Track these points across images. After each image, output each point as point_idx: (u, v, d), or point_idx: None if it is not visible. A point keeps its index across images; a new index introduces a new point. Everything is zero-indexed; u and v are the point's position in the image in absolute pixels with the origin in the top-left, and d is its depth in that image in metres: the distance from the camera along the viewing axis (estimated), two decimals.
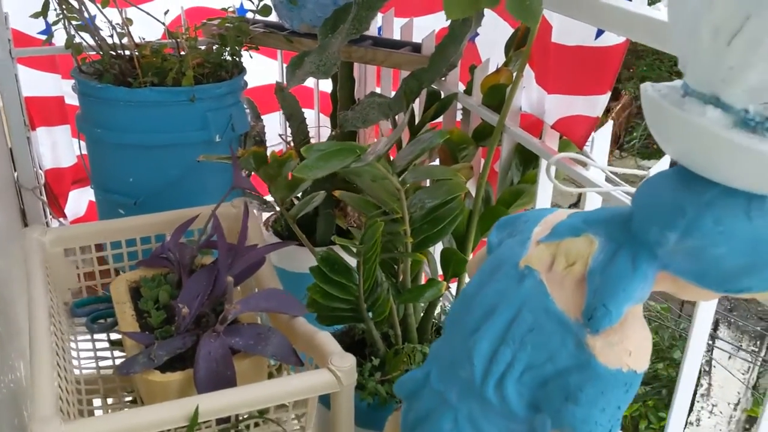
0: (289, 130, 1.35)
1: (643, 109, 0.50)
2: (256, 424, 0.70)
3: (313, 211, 1.30)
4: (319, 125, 1.59)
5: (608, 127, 0.82)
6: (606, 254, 0.53)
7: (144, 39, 1.24)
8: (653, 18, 0.69)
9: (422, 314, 1.05)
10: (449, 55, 1.10)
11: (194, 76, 1.17)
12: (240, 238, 0.81)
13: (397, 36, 1.33)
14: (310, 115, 1.56)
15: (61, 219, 1.46)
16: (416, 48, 1.23)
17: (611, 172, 0.77)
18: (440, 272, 1.01)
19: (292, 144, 1.36)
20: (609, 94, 0.84)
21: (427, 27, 1.23)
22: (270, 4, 1.29)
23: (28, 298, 0.77)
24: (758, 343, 4.02)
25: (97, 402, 0.86)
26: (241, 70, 1.27)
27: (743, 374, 3.96)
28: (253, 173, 0.94)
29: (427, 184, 1.06)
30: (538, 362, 0.54)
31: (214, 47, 1.25)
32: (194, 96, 1.15)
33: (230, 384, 0.69)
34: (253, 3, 1.28)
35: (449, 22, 1.06)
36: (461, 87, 1.16)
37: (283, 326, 0.78)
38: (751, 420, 3.83)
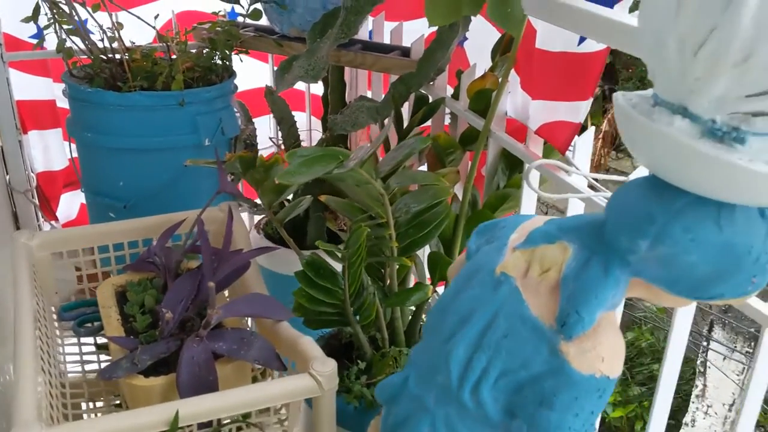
0: (279, 134, 1.36)
1: (615, 118, 0.51)
2: (239, 429, 0.71)
3: (304, 214, 1.30)
4: (310, 128, 1.59)
5: (590, 133, 0.83)
6: (579, 261, 0.53)
7: (134, 43, 1.24)
8: (633, 26, 0.70)
9: (410, 317, 1.06)
10: (437, 60, 1.10)
11: (184, 80, 1.18)
12: (224, 243, 0.82)
13: (387, 40, 1.34)
14: (301, 118, 1.57)
15: (53, 222, 1.47)
16: (405, 52, 1.24)
17: (593, 178, 0.78)
18: (428, 276, 1.01)
19: (283, 147, 1.36)
20: (591, 100, 0.85)
21: (418, 31, 1.24)
22: (260, 8, 1.30)
23: (15, 302, 0.78)
24: (752, 344, 4.02)
25: (84, 406, 0.86)
26: (231, 74, 1.28)
27: (738, 375, 3.97)
28: None
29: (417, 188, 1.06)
30: (512, 368, 0.54)
31: (205, 51, 1.26)
32: (183, 100, 1.15)
33: (212, 389, 0.69)
34: (243, 7, 1.29)
35: (438, 27, 1.07)
36: (450, 91, 1.17)
37: (268, 331, 0.79)
38: None
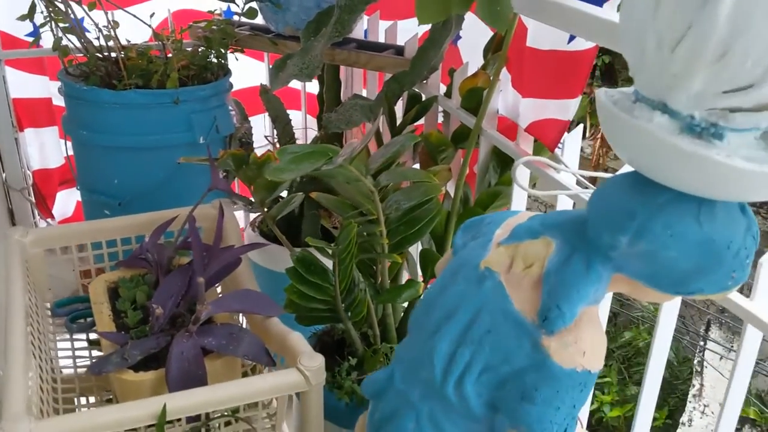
0: (275, 132, 1.36)
1: (598, 115, 0.52)
2: (227, 423, 0.71)
3: (299, 211, 1.31)
4: (306, 127, 1.60)
5: (578, 130, 0.83)
6: (561, 256, 0.54)
7: (130, 41, 1.25)
8: None
9: (402, 314, 1.06)
10: (430, 59, 1.11)
11: (180, 78, 1.18)
12: (215, 239, 0.82)
13: (382, 38, 1.35)
14: (297, 116, 1.57)
15: (49, 219, 1.47)
16: (399, 51, 1.24)
17: (580, 175, 0.78)
18: (421, 273, 1.02)
19: (278, 145, 1.37)
20: (580, 98, 0.85)
21: (413, 30, 1.24)
22: (256, 6, 1.30)
23: (6, 298, 0.78)
24: None
25: (76, 401, 0.87)
26: (227, 72, 1.28)
27: None
28: None
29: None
30: (495, 363, 0.55)
31: (200, 49, 1.26)
32: (178, 98, 1.16)
33: (201, 383, 0.70)
34: (239, 6, 1.29)
35: (431, 25, 1.07)
36: (443, 89, 1.17)
37: (258, 326, 0.79)
38: (743, 420, 3.84)
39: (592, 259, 0.53)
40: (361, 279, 0.93)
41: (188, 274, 0.80)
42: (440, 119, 1.19)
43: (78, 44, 1.20)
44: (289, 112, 1.33)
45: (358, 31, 1.40)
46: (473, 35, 1.21)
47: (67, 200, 1.58)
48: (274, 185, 0.95)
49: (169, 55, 1.22)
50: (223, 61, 1.29)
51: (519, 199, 0.95)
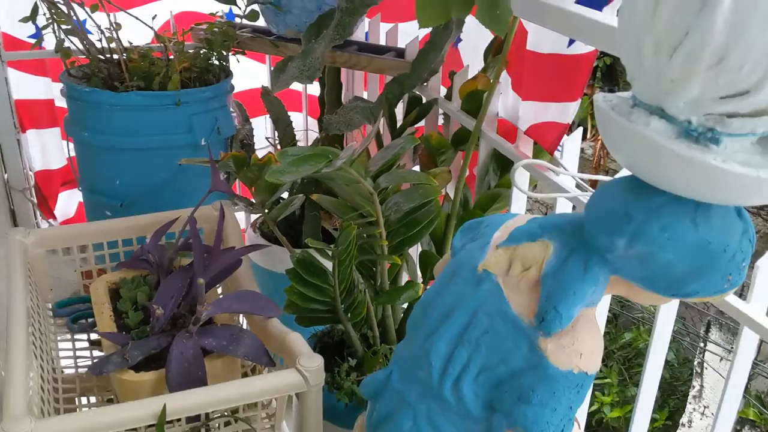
0: (276, 134, 1.37)
1: (596, 119, 0.52)
2: (227, 423, 0.72)
3: (300, 213, 1.31)
4: (307, 128, 1.60)
5: (578, 133, 0.84)
6: (559, 259, 0.54)
7: (132, 43, 1.26)
8: None
9: (401, 315, 1.07)
10: (430, 61, 1.11)
11: (181, 80, 1.19)
12: (216, 241, 0.83)
13: (383, 41, 1.35)
14: (298, 118, 1.58)
15: (51, 220, 1.48)
16: (400, 53, 1.25)
17: (580, 178, 0.79)
18: (420, 274, 1.02)
19: (279, 147, 1.37)
20: (579, 101, 0.86)
21: (414, 32, 1.25)
22: (257, 9, 1.31)
23: (8, 298, 0.79)
24: None
25: (77, 401, 0.87)
26: (228, 74, 1.29)
27: None
28: None
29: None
30: (492, 364, 0.55)
31: (202, 51, 1.27)
32: (180, 100, 1.16)
33: (201, 384, 0.70)
34: (240, 8, 1.30)
35: (432, 28, 1.08)
36: (443, 92, 1.18)
37: (258, 327, 0.80)
38: (743, 421, 3.84)
39: (589, 261, 0.53)
40: (360, 280, 0.93)
41: (189, 275, 0.81)
42: (440, 121, 1.20)
43: (80, 46, 1.20)
44: (290, 113, 1.33)
45: (359, 34, 1.41)
46: (474, 38, 1.22)
47: (68, 201, 1.58)
48: (275, 187, 0.95)
49: (171, 57, 1.23)
50: (224, 63, 1.30)
51: (518, 201, 0.95)
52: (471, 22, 1.10)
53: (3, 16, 1.33)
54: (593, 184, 0.84)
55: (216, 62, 1.29)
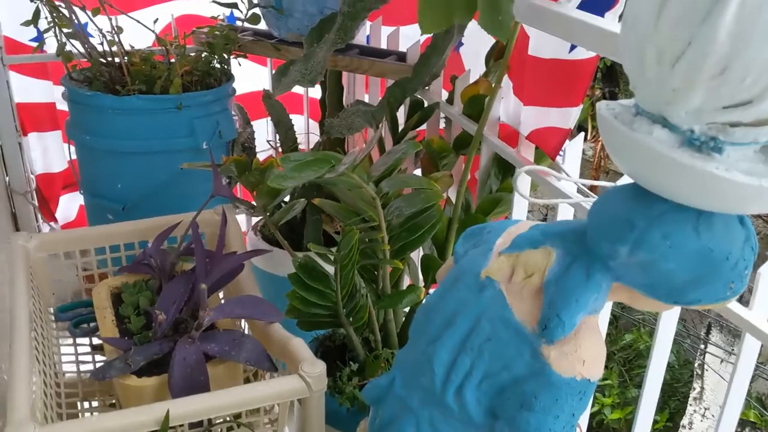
0: (277, 137, 1.37)
1: (599, 127, 0.52)
2: (230, 429, 0.72)
3: (301, 216, 1.32)
4: (308, 132, 1.60)
5: (579, 139, 0.84)
6: (561, 266, 0.54)
7: (133, 47, 1.26)
8: None
9: (403, 319, 1.07)
10: (432, 65, 1.11)
11: (183, 83, 1.19)
12: (218, 246, 0.83)
13: (384, 44, 1.35)
14: (300, 121, 1.58)
15: (52, 223, 1.48)
16: (401, 57, 1.25)
17: (582, 184, 0.79)
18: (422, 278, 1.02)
19: (280, 150, 1.37)
20: (581, 106, 0.86)
21: (415, 35, 1.25)
22: (259, 12, 1.31)
23: (10, 303, 0.79)
24: None
25: (79, 406, 0.87)
26: (229, 78, 1.29)
27: None
28: None
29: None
30: (495, 370, 0.55)
31: (203, 55, 1.27)
32: (181, 104, 1.16)
33: (203, 389, 0.70)
34: (242, 12, 1.30)
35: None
36: (445, 96, 1.18)
37: (260, 332, 0.80)
38: (744, 423, 3.84)
39: (591, 268, 0.53)
40: (362, 284, 0.93)
41: (191, 280, 0.81)
42: (442, 125, 1.20)
43: (82, 49, 1.20)
44: (291, 116, 1.33)
45: (360, 37, 1.41)
46: (475, 42, 1.22)
47: (70, 204, 1.58)
48: (277, 191, 0.96)
49: (173, 60, 1.23)
50: (226, 67, 1.30)
51: (520, 206, 0.95)
52: (472, 26, 1.10)
53: (5, 20, 1.33)
54: (593, 187, 0.84)
55: (217, 66, 1.29)
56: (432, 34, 1.10)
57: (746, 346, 0.65)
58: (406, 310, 1.06)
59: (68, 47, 1.20)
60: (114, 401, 0.88)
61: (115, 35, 1.19)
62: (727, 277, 0.50)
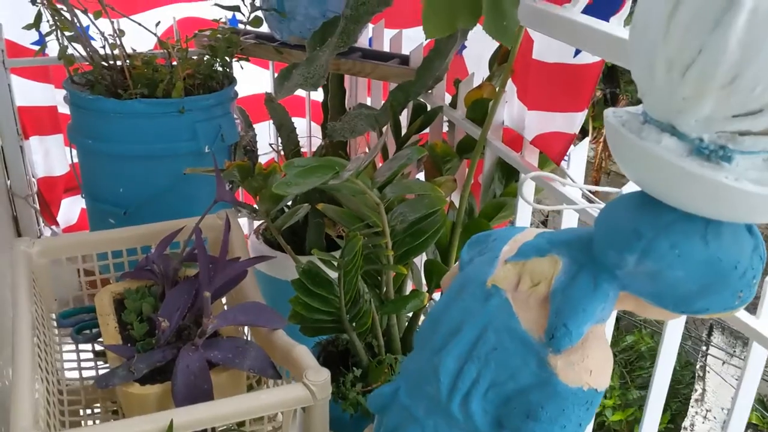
0: (279, 140, 1.37)
1: (606, 135, 0.52)
2: None
3: (304, 220, 1.31)
4: (310, 135, 1.60)
5: (584, 144, 0.83)
6: (568, 275, 0.54)
7: (135, 50, 1.25)
8: (627, 39, 0.71)
9: (406, 325, 1.07)
10: (435, 69, 1.11)
11: (185, 86, 1.19)
12: (221, 252, 0.82)
13: (387, 47, 1.35)
14: (302, 124, 1.58)
15: (54, 227, 1.48)
16: (404, 60, 1.24)
17: (587, 190, 0.79)
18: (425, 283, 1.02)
19: (282, 153, 1.37)
20: (586, 111, 0.85)
21: (418, 38, 1.24)
22: (261, 15, 1.31)
23: (13, 309, 0.78)
24: None
25: (81, 413, 0.87)
26: (232, 81, 1.28)
27: (737, 380, 3.97)
28: None
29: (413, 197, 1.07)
30: (501, 380, 0.55)
31: (205, 58, 1.27)
32: (183, 107, 1.16)
33: (207, 397, 0.70)
34: (244, 15, 1.29)
35: None
36: (448, 99, 1.18)
37: (263, 339, 0.79)
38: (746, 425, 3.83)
39: (599, 277, 0.53)
40: (365, 290, 0.93)
41: (194, 287, 0.80)
42: (445, 129, 1.20)
43: (83, 53, 1.20)
44: (293, 119, 1.33)
45: (363, 40, 1.40)
46: (478, 45, 1.22)
47: (71, 207, 1.58)
48: (280, 196, 0.95)
49: (174, 63, 1.22)
50: (228, 70, 1.29)
51: (524, 211, 0.95)
52: (475, 29, 1.10)
53: (6, 23, 1.32)
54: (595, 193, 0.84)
55: (219, 69, 1.28)
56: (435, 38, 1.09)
57: (753, 354, 0.64)
58: (410, 315, 1.06)
59: (70, 50, 1.20)
60: (116, 408, 0.88)
61: (117, 38, 1.19)
62: (736, 287, 0.50)
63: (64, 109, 1.42)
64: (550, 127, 0.89)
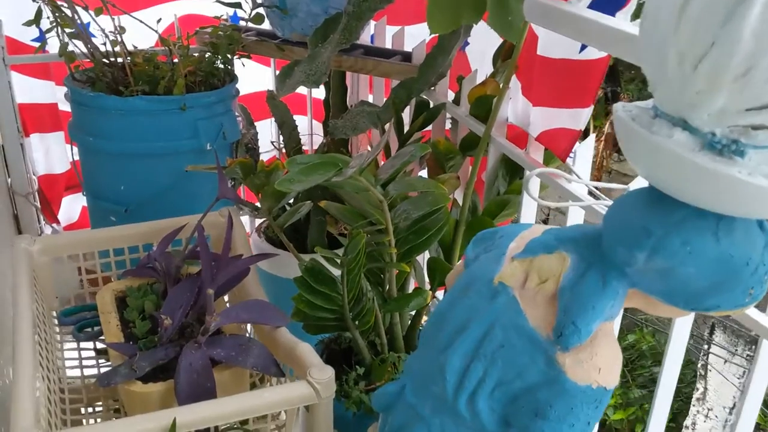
0: (281, 138, 1.36)
1: (615, 130, 0.51)
2: None
3: (305, 217, 1.30)
4: (311, 132, 1.59)
5: (590, 140, 0.83)
6: (577, 272, 0.53)
7: (136, 47, 1.25)
8: (634, 35, 0.70)
9: (409, 322, 1.06)
10: (438, 66, 1.10)
11: (186, 84, 1.18)
12: (223, 250, 0.82)
13: (389, 44, 1.34)
14: (303, 121, 1.57)
15: (54, 225, 1.47)
16: (407, 57, 1.24)
17: (593, 186, 0.78)
18: (428, 281, 1.01)
19: (284, 151, 1.36)
20: (592, 107, 0.85)
21: (420, 35, 1.24)
22: (262, 12, 1.30)
23: (14, 307, 0.78)
24: (753, 347, 4.02)
25: (83, 411, 0.86)
26: (233, 78, 1.28)
27: (738, 379, 3.96)
28: None
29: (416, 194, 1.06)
30: (508, 378, 0.54)
31: (207, 55, 1.26)
32: (185, 105, 1.15)
33: (210, 395, 0.69)
34: (245, 11, 1.29)
35: None
36: (451, 96, 1.17)
37: (266, 337, 0.79)
38: None
39: (608, 274, 0.52)
40: (368, 288, 0.92)
41: (197, 285, 0.80)
42: (447, 126, 1.19)
43: (84, 50, 1.19)
44: (294, 117, 1.32)
45: (365, 36, 1.40)
46: (481, 41, 1.21)
47: (72, 205, 1.57)
48: (282, 194, 0.95)
49: (176, 60, 1.22)
50: (229, 67, 1.29)
51: (528, 208, 0.94)
52: (478, 25, 1.09)
53: (6, 20, 1.32)
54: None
55: (221, 66, 1.28)
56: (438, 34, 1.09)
57: (763, 351, 0.64)
58: (412, 313, 1.05)
59: (71, 47, 1.19)
60: (118, 407, 0.87)
61: (118, 35, 1.18)
62: (747, 283, 0.49)
63: (65, 106, 1.41)
64: (555, 124, 0.88)
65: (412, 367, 0.62)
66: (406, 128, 1.15)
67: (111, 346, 0.77)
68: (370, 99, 1.43)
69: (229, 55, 1.27)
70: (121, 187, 1.19)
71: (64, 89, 1.20)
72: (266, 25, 1.33)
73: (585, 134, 0.90)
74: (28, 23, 1.18)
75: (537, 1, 0.78)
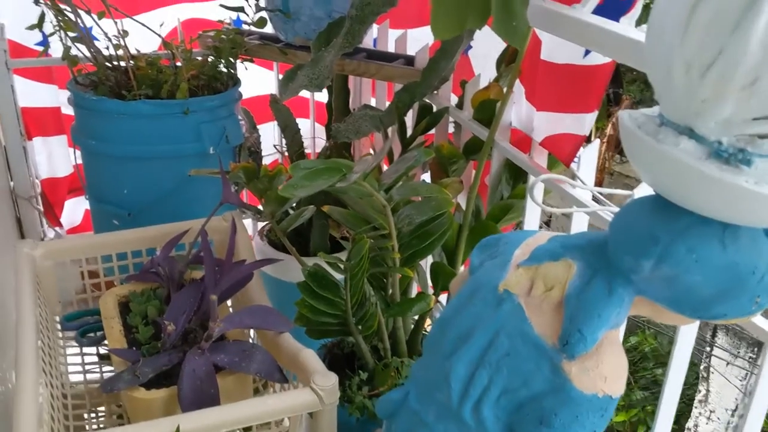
0: (284, 141, 1.36)
1: (621, 138, 0.51)
2: None
3: (308, 221, 1.30)
4: (314, 136, 1.59)
5: (595, 145, 0.82)
6: (583, 280, 0.53)
7: (139, 51, 1.24)
8: (638, 41, 0.70)
9: (412, 327, 1.06)
10: (441, 70, 1.10)
11: (189, 87, 1.18)
12: (227, 255, 0.82)
13: (391, 47, 1.34)
14: (306, 125, 1.57)
15: (57, 228, 1.47)
16: (410, 61, 1.24)
17: (598, 192, 0.78)
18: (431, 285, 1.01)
19: (287, 154, 1.36)
20: (596, 112, 0.84)
21: (423, 39, 1.23)
22: (266, 16, 1.30)
23: (17, 312, 0.78)
24: (756, 350, 4.02)
25: (86, 417, 0.86)
26: (236, 82, 1.28)
27: (741, 381, 3.96)
28: None
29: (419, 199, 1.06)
30: (513, 386, 0.54)
31: (209, 59, 1.26)
32: (188, 108, 1.15)
33: (213, 402, 0.69)
34: (248, 15, 1.29)
35: None
36: (454, 100, 1.17)
37: (269, 342, 0.79)
38: None
39: (613, 282, 0.52)
40: (371, 292, 0.92)
41: (200, 290, 0.80)
42: (451, 130, 1.19)
43: (87, 53, 1.19)
44: (297, 120, 1.32)
45: (368, 40, 1.40)
46: (484, 45, 1.21)
47: (75, 209, 1.57)
48: (285, 198, 0.94)
49: (179, 64, 1.22)
50: (232, 71, 1.29)
51: (532, 213, 0.94)
52: (481, 29, 1.09)
53: (9, 23, 1.32)
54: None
55: (224, 70, 1.28)
56: None
57: None
58: (416, 318, 1.05)
59: (73, 51, 1.19)
60: (121, 412, 0.87)
61: (121, 39, 1.18)
62: (753, 291, 0.49)
63: (68, 110, 1.41)
64: (559, 129, 0.88)
65: (417, 374, 0.62)
66: (409, 132, 1.15)
67: (114, 352, 0.77)
68: (373, 103, 1.43)
69: (232, 59, 1.27)
70: (124, 190, 1.19)
71: (67, 93, 1.20)
72: (269, 29, 1.33)
73: (588, 138, 0.90)
74: (31, 27, 1.18)
75: (541, 6, 0.77)
